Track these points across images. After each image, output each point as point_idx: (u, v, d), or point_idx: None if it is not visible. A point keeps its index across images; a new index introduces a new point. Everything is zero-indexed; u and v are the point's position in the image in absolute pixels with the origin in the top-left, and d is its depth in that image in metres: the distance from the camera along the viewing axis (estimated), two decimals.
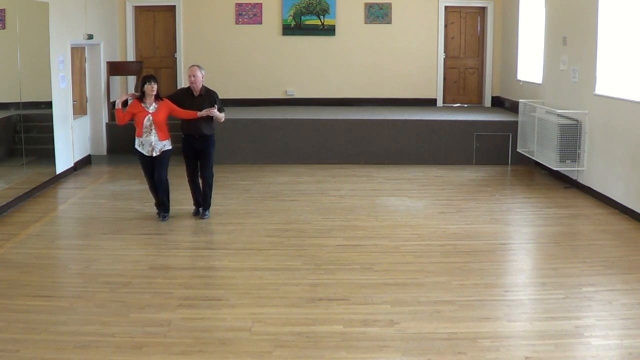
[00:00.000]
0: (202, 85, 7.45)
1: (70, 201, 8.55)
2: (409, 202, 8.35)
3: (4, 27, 8.53)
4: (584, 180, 8.86)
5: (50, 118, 9.26)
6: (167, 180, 7.43)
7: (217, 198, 8.51)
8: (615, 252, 6.47)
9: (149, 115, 7.20)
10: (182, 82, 12.63)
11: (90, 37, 10.69)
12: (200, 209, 7.70)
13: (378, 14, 12.63)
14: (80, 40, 10.44)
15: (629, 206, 7.61)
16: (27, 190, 8.46)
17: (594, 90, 8.55)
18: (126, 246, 6.66)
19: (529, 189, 9.23)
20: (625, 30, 8.05)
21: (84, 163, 10.65)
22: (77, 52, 10.67)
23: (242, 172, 10.11)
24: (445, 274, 5.83)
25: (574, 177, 9.12)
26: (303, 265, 6.04)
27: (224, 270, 5.94)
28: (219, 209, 8.01)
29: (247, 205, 8.23)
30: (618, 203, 7.88)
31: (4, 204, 7.77)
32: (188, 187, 7.74)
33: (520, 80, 11.66)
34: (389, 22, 12.65)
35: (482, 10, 12.85)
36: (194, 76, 7.32)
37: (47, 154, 9.17)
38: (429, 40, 12.73)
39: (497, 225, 7.48)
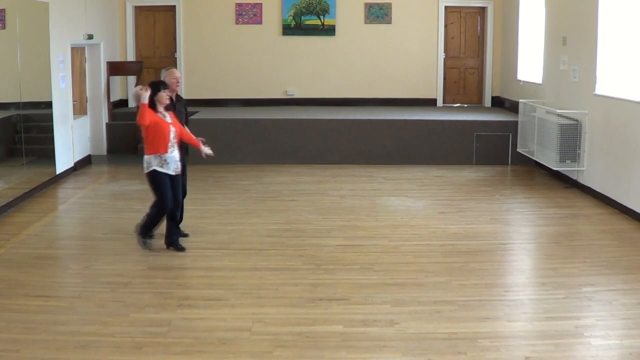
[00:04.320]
0: None
1: (70, 201, 8.55)
2: (409, 202, 8.34)
3: (4, 27, 8.53)
4: (584, 180, 8.85)
5: (50, 118, 9.26)
6: None
7: (217, 198, 8.52)
8: (615, 252, 6.47)
9: (171, 126, 6.06)
10: (183, 83, 12.63)
11: (90, 37, 10.69)
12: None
13: (378, 14, 12.62)
14: (80, 40, 10.44)
15: (629, 206, 7.61)
16: (27, 190, 8.46)
17: (593, 90, 8.55)
18: (126, 246, 6.66)
19: (529, 189, 9.23)
20: (625, 30, 8.05)
21: (84, 163, 10.64)
22: (77, 52, 10.67)
23: (242, 172, 10.11)
24: (445, 274, 5.83)
25: (574, 177, 9.11)
26: (303, 265, 6.03)
27: (224, 270, 5.94)
28: (219, 209, 8.01)
29: (247, 205, 8.22)
30: (618, 203, 7.87)
31: (4, 204, 7.77)
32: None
33: (520, 80, 11.66)
34: (389, 22, 12.65)
35: (482, 10, 12.85)
36: (178, 80, 6.51)
37: (47, 154, 9.17)
38: (428, 40, 12.73)
39: (497, 225, 7.48)
